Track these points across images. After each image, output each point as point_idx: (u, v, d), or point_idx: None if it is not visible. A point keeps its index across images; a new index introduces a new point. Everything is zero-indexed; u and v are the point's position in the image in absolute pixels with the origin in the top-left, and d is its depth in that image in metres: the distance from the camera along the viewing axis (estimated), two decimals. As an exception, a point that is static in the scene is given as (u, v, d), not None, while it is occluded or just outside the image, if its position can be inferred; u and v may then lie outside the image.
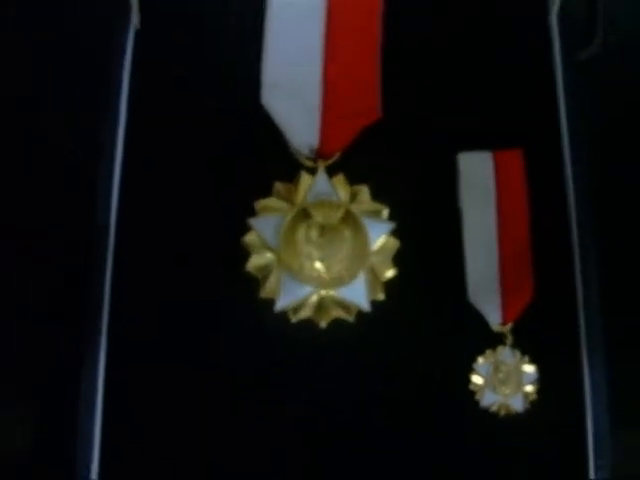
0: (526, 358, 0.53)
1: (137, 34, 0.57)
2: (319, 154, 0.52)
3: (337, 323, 0.51)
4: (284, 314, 0.51)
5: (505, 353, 0.53)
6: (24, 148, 0.59)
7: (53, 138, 0.59)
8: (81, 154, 0.57)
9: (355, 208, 0.52)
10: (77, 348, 0.54)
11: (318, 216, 0.51)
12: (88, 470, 0.52)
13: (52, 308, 0.57)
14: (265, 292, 0.50)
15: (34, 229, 0.58)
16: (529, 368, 0.53)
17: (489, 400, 0.52)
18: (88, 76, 0.58)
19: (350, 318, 0.50)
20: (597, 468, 0.51)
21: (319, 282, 0.51)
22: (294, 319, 0.50)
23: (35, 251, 0.58)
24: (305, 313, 0.50)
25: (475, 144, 0.55)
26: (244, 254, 0.52)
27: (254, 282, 0.52)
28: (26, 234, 0.58)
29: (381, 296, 0.51)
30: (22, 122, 0.59)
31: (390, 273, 0.51)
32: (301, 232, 0.51)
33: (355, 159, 0.54)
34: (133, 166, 0.54)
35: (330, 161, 0.52)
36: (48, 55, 0.61)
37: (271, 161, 0.53)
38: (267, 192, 0.53)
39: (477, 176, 0.55)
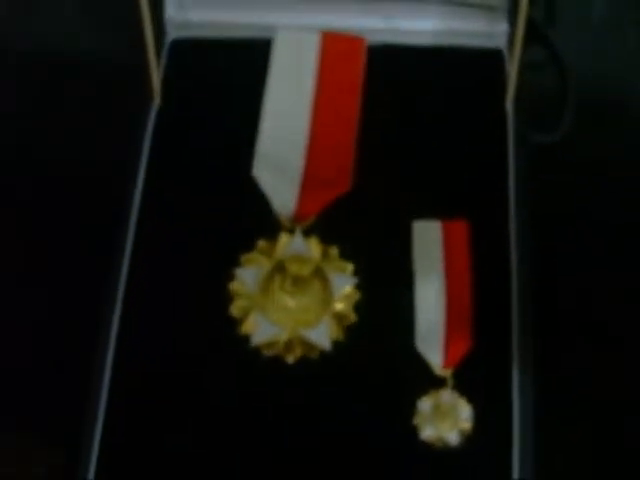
0: (464, 398, 0.60)
1: (158, 112, 0.69)
2: (297, 218, 0.63)
3: (303, 360, 0.60)
4: (258, 349, 0.60)
5: (445, 394, 0.60)
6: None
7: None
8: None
9: (325, 264, 0.62)
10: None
11: (292, 269, 0.61)
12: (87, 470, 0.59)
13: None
14: (243, 330, 0.60)
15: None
16: (465, 407, 0.60)
17: (428, 433, 0.59)
18: (118, 147, 0.69)
19: (314, 356, 0.60)
20: None
21: (289, 324, 0.60)
22: (266, 354, 0.60)
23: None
24: (276, 350, 0.60)
25: (429, 214, 0.64)
26: (229, 297, 0.62)
27: (236, 321, 0.62)
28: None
29: (341, 338, 0.60)
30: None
31: (351, 319, 0.60)
32: (277, 282, 0.61)
33: (328, 223, 0.64)
34: (146, 225, 0.63)
35: (306, 224, 0.63)
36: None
37: (257, 222, 0.63)
38: (252, 247, 0.63)
39: (428, 241, 0.63)
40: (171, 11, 0.68)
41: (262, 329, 0.60)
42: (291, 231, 0.62)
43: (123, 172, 0.65)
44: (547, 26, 0.77)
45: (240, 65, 0.68)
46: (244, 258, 0.61)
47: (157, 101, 0.67)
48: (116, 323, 0.60)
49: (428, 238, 0.61)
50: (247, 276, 0.61)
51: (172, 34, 0.69)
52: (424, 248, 0.61)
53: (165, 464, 0.57)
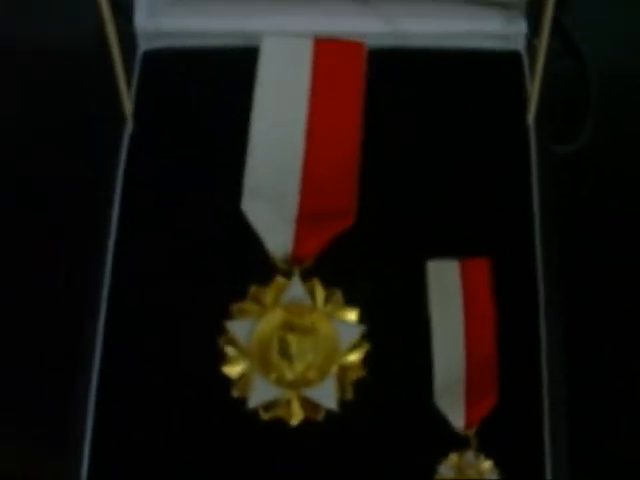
0: (489, 461, 0.55)
1: (131, 137, 0.61)
2: (294, 259, 0.55)
3: (306, 423, 0.54)
4: (255, 412, 0.54)
5: (469, 456, 0.55)
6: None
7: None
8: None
9: (328, 311, 0.55)
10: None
11: (291, 319, 0.54)
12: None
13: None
14: (238, 392, 0.53)
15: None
16: (492, 471, 0.54)
17: (451, 500, 0.55)
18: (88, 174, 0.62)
19: (319, 417, 0.53)
20: None
21: (290, 383, 0.53)
22: (265, 417, 0.53)
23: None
24: (275, 412, 0.53)
25: (445, 251, 0.57)
26: (220, 355, 0.56)
27: (229, 381, 0.55)
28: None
29: (350, 396, 0.53)
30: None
31: (359, 374, 0.54)
32: (275, 335, 0.54)
33: (329, 263, 0.57)
34: (123, 262, 0.57)
35: (305, 265, 0.56)
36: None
37: (248, 263, 0.56)
38: (244, 294, 0.56)
39: (445, 283, 0.56)
40: (141, 19, 0.60)
41: (260, 390, 0.52)
42: (288, 274, 0.55)
43: (94, 213, 0.58)
44: (561, 14, 0.70)
45: (221, 78, 0.60)
46: (235, 308, 0.54)
47: (130, 126, 0.59)
48: (96, 378, 0.53)
49: (445, 279, 0.54)
50: (239, 329, 0.54)
51: (143, 45, 0.61)
52: (441, 290, 0.54)
53: None
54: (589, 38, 0.69)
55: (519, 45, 0.61)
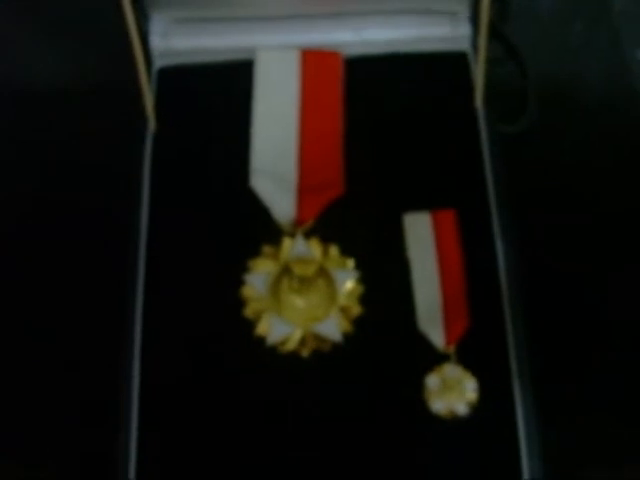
0: (468, 372, 0.65)
1: (154, 137, 0.72)
2: (297, 222, 0.68)
3: (316, 352, 0.65)
4: (274, 347, 0.65)
5: (450, 369, 0.65)
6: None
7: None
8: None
9: (327, 263, 0.67)
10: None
11: (297, 271, 0.65)
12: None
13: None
14: (258, 331, 0.65)
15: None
16: (470, 380, 0.64)
17: (437, 406, 0.64)
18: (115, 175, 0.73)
19: (327, 347, 0.64)
20: (530, 469, 0.62)
21: (300, 321, 0.65)
22: (282, 350, 0.64)
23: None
24: (290, 346, 0.64)
25: (418, 207, 0.69)
26: (242, 302, 0.67)
27: (250, 324, 0.66)
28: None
29: (350, 329, 0.65)
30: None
31: (357, 311, 0.65)
32: (285, 284, 0.66)
33: (326, 225, 0.69)
34: (156, 242, 0.68)
35: (306, 227, 0.68)
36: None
37: (260, 229, 0.68)
38: (257, 253, 0.68)
39: (419, 231, 0.68)
40: (156, 41, 0.72)
41: (276, 328, 0.64)
42: (292, 235, 0.67)
43: (127, 196, 0.69)
44: (502, 24, 0.84)
45: (225, 86, 0.72)
46: (252, 264, 0.66)
47: (152, 126, 0.71)
48: (139, 329, 0.64)
49: (419, 228, 0.66)
50: (256, 280, 0.65)
51: (158, 62, 0.73)
52: (417, 238, 0.66)
53: (196, 462, 0.62)
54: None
55: (465, 46, 0.73)
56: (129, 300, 0.66)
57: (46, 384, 0.70)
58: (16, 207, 0.76)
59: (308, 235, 0.67)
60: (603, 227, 0.75)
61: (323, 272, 0.66)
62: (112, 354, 0.65)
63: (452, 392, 0.63)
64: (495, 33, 0.81)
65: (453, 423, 0.62)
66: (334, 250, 0.66)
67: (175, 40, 0.73)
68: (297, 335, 0.64)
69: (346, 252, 0.67)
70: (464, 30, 0.73)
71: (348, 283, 0.65)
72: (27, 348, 0.71)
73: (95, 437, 0.66)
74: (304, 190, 0.68)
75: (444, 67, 0.74)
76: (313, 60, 0.73)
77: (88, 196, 0.74)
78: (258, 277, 0.66)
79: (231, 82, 0.73)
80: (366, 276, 0.66)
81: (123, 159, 0.71)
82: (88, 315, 0.71)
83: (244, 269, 0.66)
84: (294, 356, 0.64)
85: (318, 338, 0.64)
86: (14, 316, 0.72)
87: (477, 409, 0.63)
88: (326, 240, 0.67)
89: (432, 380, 0.63)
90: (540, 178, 0.74)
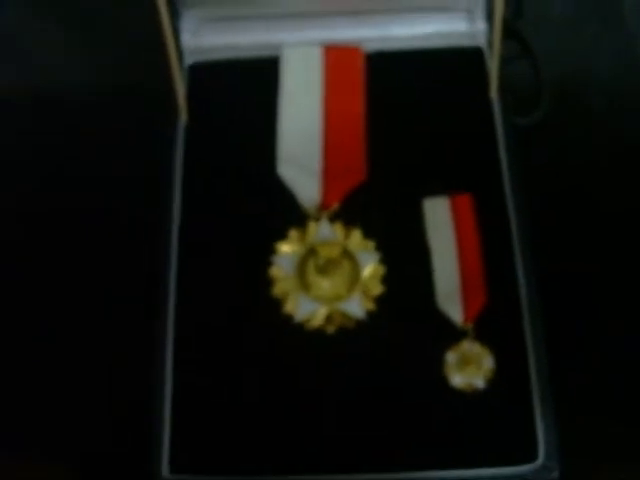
0: (485, 348, 0.68)
1: (186, 129, 0.76)
2: (321, 207, 0.71)
3: (341, 329, 0.68)
4: (301, 325, 0.68)
5: (469, 345, 0.68)
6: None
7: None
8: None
9: (350, 245, 0.70)
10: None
11: (322, 252, 0.69)
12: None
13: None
14: (286, 309, 0.68)
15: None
16: (488, 355, 0.67)
17: (457, 381, 0.66)
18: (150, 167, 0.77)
19: (351, 324, 0.68)
20: (545, 441, 0.64)
21: (325, 300, 0.68)
22: (309, 328, 0.68)
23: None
24: (316, 323, 0.68)
25: (437, 192, 0.72)
26: (270, 282, 0.70)
27: (279, 302, 0.69)
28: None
29: (372, 308, 0.68)
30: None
31: (378, 290, 0.69)
32: (311, 265, 0.69)
33: (350, 209, 0.72)
34: (188, 228, 0.71)
35: (330, 212, 0.71)
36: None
37: (287, 214, 0.71)
38: (285, 236, 0.71)
39: (439, 215, 0.71)
40: (187, 38, 0.76)
41: (303, 306, 0.67)
42: (317, 219, 0.70)
43: (161, 188, 0.73)
44: (517, 23, 0.87)
45: (253, 81, 0.76)
46: (279, 246, 0.70)
47: (184, 118, 0.75)
48: (172, 313, 0.68)
49: (438, 212, 0.70)
50: (284, 262, 0.69)
51: (189, 59, 0.77)
52: (436, 221, 0.70)
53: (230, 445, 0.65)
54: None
55: (481, 42, 0.77)
56: (163, 284, 0.70)
57: (80, 382, 0.72)
58: (48, 205, 0.80)
59: (332, 219, 0.70)
60: (612, 216, 0.79)
61: (347, 254, 0.69)
62: (147, 346, 0.68)
63: (470, 367, 0.66)
64: (510, 31, 0.85)
65: (471, 397, 0.66)
66: (357, 233, 0.70)
67: (205, 38, 0.77)
68: (322, 312, 0.67)
69: (368, 235, 0.70)
70: (480, 27, 0.76)
71: (370, 264, 0.69)
72: (62, 348, 0.74)
73: (129, 435, 0.69)
74: (328, 177, 0.72)
75: (461, 61, 0.77)
76: (335, 55, 0.76)
77: (125, 186, 0.78)
78: (285, 259, 0.69)
79: (258, 77, 0.77)
80: (387, 258, 0.69)
81: (157, 151, 0.76)
82: (121, 307, 0.74)
83: (272, 252, 0.70)
84: (320, 333, 0.67)
85: (343, 316, 0.68)
86: (47, 315, 0.75)
87: (494, 383, 0.66)
88: (349, 224, 0.70)
89: (451, 356, 0.66)
90: (553, 170, 0.78)
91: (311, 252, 0.69)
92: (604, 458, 0.69)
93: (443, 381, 0.66)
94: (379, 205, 0.71)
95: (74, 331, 0.74)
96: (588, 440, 0.68)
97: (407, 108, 0.75)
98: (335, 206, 0.71)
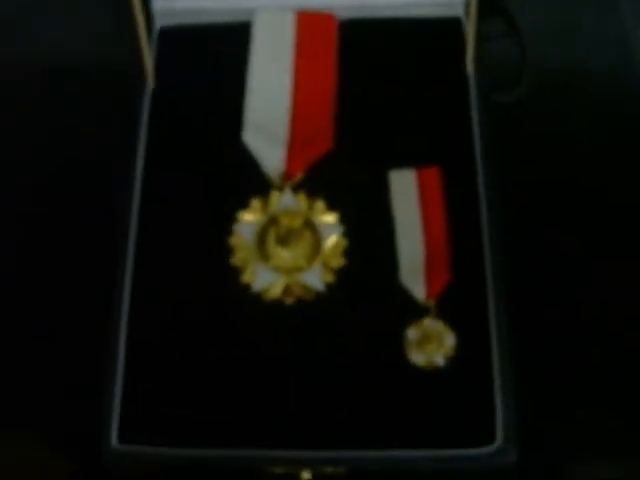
0: (447, 325, 0.66)
1: (153, 94, 0.74)
2: (285, 176, 0.69)
3: (300, 301, 0.66)
4: (259, 295, 0.66)
5: (430, 322, 0.66)
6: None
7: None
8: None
9: (313, 216, 0.68)
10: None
11: (284, 222, 0.67)
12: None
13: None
14: (245, 279, 0.67)
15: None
16: (449, 333, 0.65)
17: (417, 358, 0.65)
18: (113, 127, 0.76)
19: (310, 297, 0.66)
20: (504, 420, 0.63)
21: (285, 271, 0.67)
22: (267, 298, 0.66)
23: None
24: (274, 293, 0.66)
25: (405, 165, 0.70)
26: (229, 251, 0.69)
27: (237, 271, 0.68)
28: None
29: (332, 280, 0.66)
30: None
31: (339, 263, 0.67)
32: (272, 235, 0.68)
33: (314, 179, 0.70)
34: (149, 193, 0.70)
35: (294, 181, 0.69)
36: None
37: (250, 182, 0.69)
38: (247, 205, 0.69)
39: (404, 187, 0.69)
40: (158, 1, 0.75)
41: (262, 276, 0.66)
42: (281, 189, 0.69)
43: (124, 150, 0.72)
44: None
45: (225, 46, 0.74)
46: (241, 215, 0.68)
47: (151, 84, 0.73)
48: (129, 279, 0.66)
49: (405, 185, 0.68)
50: (244, 231, 0.67)
51: (159, 22, 0.76)
52: (402, 194, 0.68)
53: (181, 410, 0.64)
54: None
55: (459, 12, 0.75)
56: (121, 251, 0.68)
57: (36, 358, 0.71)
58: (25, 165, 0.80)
59: (296, 189, 0.69)
60: (590, 197, 0.76)
61: (309, 225, 0.67)
62: (101, 310, 0.67)
63: (431, 344, 0.64)
64: (496, 8, 0.83)
65: (431, 374, 0.64)
66: (320, 204, 0.68)
67: (177, 1, 0.75)
68: (281, 283, 0.66)
69: (332, 206, 0.68)
70: (457, -4, 0.75)
71: (332, 236, 0.67)
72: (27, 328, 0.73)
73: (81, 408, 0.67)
74: (294, 146, 0.70)
75: (437, 31, 0.75)
76: (308, 22, 0.75)
77: (87, 152, 0.77)
78: (246, 227, 0.67)
79: (230, 42, 0.75)
80: (350, 230, 0.67)
81: (122, 116, 0.74)
82: (79, 268, 0.73)
83: (234, 220, 0.68)
84: (278, 304, 0.66)
85: (302, 287, 0.66)
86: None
87: (455, 361, 0.64)
88: (314, 194, 0.69)
89: (412, 332, 0.64)
90: (527, 148, 0.76)
91: (272, 222, 0.67)
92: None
93: (403, 358, 0.64)
94: (345, 176, 0.69)
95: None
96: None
97: (379, 78, 0.73)
98: (300, 176, 0.69)
